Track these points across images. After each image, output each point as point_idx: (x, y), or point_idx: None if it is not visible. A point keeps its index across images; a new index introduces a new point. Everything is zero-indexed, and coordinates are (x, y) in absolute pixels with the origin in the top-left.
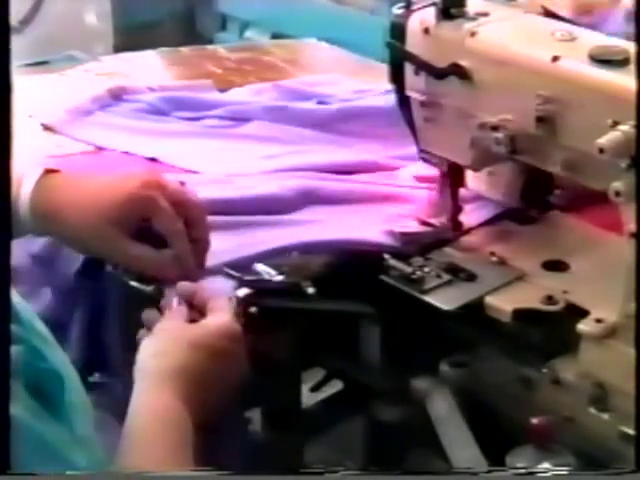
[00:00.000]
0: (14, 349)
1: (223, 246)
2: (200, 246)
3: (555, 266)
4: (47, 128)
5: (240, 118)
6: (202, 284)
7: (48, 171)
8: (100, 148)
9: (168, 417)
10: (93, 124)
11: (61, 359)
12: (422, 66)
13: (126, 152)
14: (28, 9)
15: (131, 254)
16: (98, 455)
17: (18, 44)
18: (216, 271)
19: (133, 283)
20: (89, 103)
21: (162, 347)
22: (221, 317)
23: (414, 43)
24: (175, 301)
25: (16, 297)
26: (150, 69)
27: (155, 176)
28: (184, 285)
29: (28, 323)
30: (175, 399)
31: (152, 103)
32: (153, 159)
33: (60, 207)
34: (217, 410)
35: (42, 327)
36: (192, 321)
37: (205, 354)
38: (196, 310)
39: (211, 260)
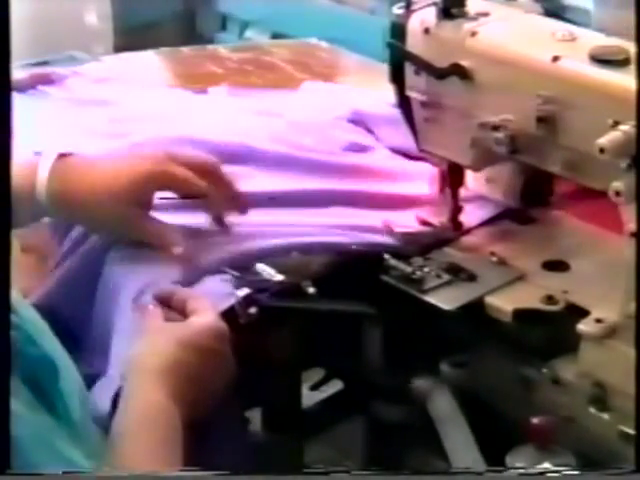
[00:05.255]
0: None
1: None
2: (234, 197)
3: (555, 266)
4: None
5: None
6: (179, 288)
7: (62, 155)
8: None
9: (159, 415)
10: None
11: (54, 346)
12: (422, 66)
13: None
14: None
15: (151, 231)
16: (94, 446)
17: (18, 44)
18: (215, 270)
19: None
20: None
21: (151, 346)
22: (206, 316)
23: (414, 43)
24: (151, 304)
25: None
26: (150, 69)
27: (162, 150)
28: (160, 288)
29: (20, 309)
30: (166, 397)
31: None
32: None
33: (77, 190)
34: (207, 408)
35: (34, 314)
36: (170, 321)
37: (194, 353)
38: (176, 311)
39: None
